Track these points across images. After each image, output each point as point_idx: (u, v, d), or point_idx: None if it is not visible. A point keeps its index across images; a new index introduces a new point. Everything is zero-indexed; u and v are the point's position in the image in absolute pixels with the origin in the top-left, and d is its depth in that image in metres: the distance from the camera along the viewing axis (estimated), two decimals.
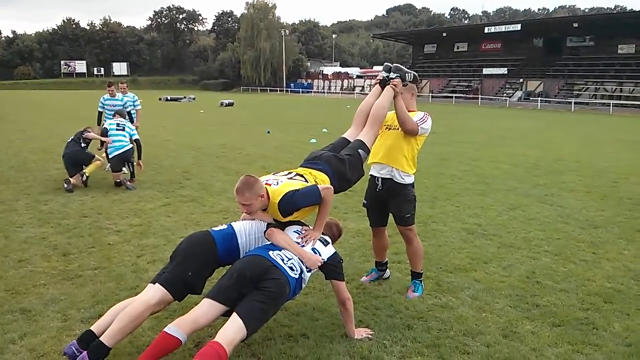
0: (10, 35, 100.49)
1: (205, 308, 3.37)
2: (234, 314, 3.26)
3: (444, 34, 67.72)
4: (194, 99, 48.96)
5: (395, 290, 4.74)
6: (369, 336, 3.85)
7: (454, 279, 5.05)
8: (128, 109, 10.97)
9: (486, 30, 60.99)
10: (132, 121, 10.73)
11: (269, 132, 19.08)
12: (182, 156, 12.83)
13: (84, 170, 8.80)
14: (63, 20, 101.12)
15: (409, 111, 4.54)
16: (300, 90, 77.31)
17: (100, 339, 3.35)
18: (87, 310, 4.23)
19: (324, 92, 74.36)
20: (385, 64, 4.66)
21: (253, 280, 3.37)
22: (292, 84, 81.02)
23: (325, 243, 3.87)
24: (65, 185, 8.43)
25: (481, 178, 10.40)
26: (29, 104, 39.11)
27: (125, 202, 7.93)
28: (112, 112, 10.31)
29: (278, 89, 78.42)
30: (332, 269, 3.77)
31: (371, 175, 4.81)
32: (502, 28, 59.86)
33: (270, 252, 3.58)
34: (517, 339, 3.91)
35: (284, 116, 28.97)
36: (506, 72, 58.84)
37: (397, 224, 4.72)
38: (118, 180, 8.95)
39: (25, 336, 3.78)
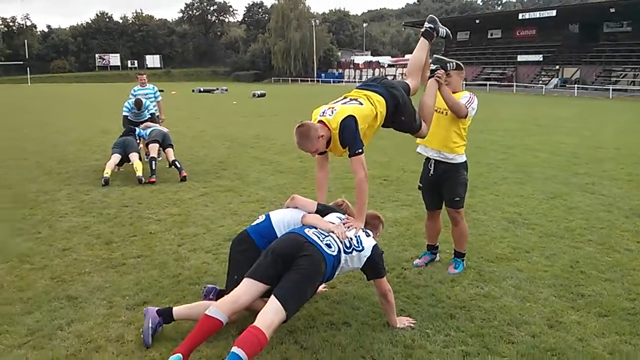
0: (46, 30, 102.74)
1: (244, 287, 3.38)
2: (272, 296, 3.25)
3: (477, 21, 66.43)
4: (226, 90, 49.23)
5: (437, 280, 4.69)
6: (412, 325, 3.83)
7: (496, 269, 4.97)
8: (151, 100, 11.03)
9: (520, 16, 59.66)
10: (152, 117, 10.76)
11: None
12: (217, 147, 12.92)
13: (140, 175, 8.70)
14: (96, 14, 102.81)
15: (454, 92, 4.63)
16: (332, 80, 77.02)
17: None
18: (131, 297, 4.31)
19: (355, 82, 73.80)
20: (435, 56, 4.64)
21: (287, 257, 3.36)
22: (323, 74, 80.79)
23: (367, 235, 3.85)
24: (103, 182, 8.48)
25: (519, 167, 10.21)
26: (65, 96, 39.93)
27: (164, 192, 8.03)
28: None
29: (309, 79, 78.29)
30: (373, 266, 3.71)
31: (425, 157, 4.92)
32: (537, 14, 58.40)
33: (306, 230, 3.58)
34: (562, 329, 3.84)
35: (316, 106, 28.80)
36: (541, 59, 57.53)
37: (446, 206, 4.87)
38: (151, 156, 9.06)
39: (73, 323, 3.86)
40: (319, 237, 3.51)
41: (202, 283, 4.56)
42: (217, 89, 49.43)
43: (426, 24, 4.66)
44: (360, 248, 3.66)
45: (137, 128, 9.78)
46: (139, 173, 8.68)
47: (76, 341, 3.60)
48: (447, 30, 4.73)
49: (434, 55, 4.65)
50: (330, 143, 3.87)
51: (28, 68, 79.13)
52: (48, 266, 5.00)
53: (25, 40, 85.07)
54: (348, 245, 3.62)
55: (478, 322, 3.92)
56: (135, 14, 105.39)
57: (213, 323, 3.25)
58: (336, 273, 3.59)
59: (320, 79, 78.49)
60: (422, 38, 4.65)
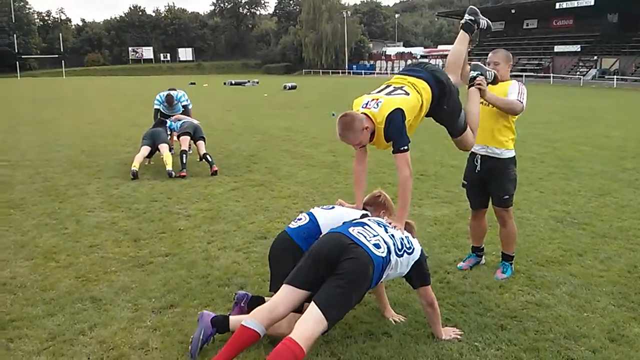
0: (80, 24, 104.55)
1: (282, 295, 3.07)
2: (312, 304, 2.94)
3: (513, 11, 64.83)
4: (257, 82, 49.15)
5: (483, 285, 4.34)
6: (458, 337, 3.50)
7: (547, 273, 4.60)
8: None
9: (557, 5, 57.95)
10: (186, 110, 10.53)
11: (333, 114, 18.74)
12: (248, 140, 12.71)
13: (170, 169, 8.49)
14: (130, 8, 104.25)
15: (502, 81, 4.34)
16: (363, 72, 76.42)
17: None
18: (158, 299, 4.07)
19: (387, 73, 73.17)
20: (474, 63, 4.32)
21: (330, 259, 3.02)
22: (354, 66, 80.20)
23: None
24: (132, 175, 8.32)
25: (563, 161, 9.72)
26: (98, 89, 40.35)
27: (194, 186, 7.83)
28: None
29: (340, 71, 77.78)
30: (420, 271, 3.37)
31: (470, 153, 4.56)
32: (575, 3, 56.68)
33: (351, 229, 3.22)
34: (625, 343, 3.47)
35: (348, 98, 28.39)
36: (579, 50, 56.01)
37: (494, 204, 4.52)
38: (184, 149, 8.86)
39: (96, 327, 3.64)
40: (365, 237, 3.16)
41: (232, 285, 4.31)
42: (249, 81, 49.40)
43: (466, 16, 4.34)
44: (411, 250, 3.33)
45: (168, 120, 9.61)
46: (169, 167, 8.49)
47: (98, 347, 3.38)
48: (488, 21, 4.40)
49: (473, 62, 4.34)
50: (373, 136, 3.57)
51: (63, 61, 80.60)
52: (73, 264, 4.81)
53: (60, 34, 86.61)
54: (400, 246, 3.27)
55: (532, 334, 3.57)
56: (167, 7, 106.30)
57: (249, 334, 2.98)
58: (383, 277, 3.22)
59: (351, 71, 77.89)
60: (461, 31, 4.31)
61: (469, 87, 4.22)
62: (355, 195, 3.86)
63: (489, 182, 4.49)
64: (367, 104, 3.58)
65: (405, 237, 3.38)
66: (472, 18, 4.31)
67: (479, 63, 4.30)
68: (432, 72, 3.78)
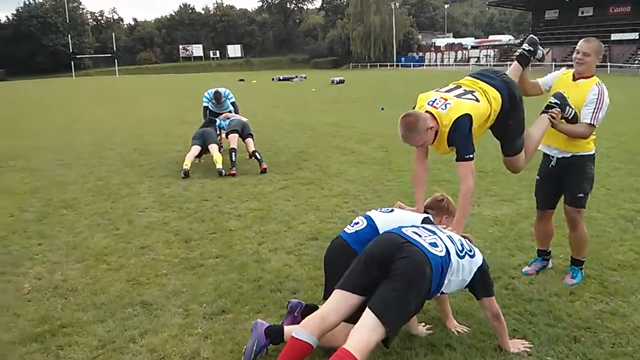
0: (132, 23, 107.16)
1: (333, 301, 2.88)
2: (366, 310, 2.73)
3: None
4: (305, 77, 49.11)
5: (552, 292, 4.03)
6: (528, 350, 3.23)
7: (620, 279, 4.26)
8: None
9: None
10: (234, 107, 10.45)
11: (382, 109, 18.45)
12: (297, 136, 12.58)
13: (220, 167, 8.44)
14: (179, 6, 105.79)
15: (582, 77, 4.01)
16: (412, 64, 75.33)
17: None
18: (209, 304, 3.96)
19: (436, 65, 72.00)
20: (558, 91, 4.02)
21: (382, 260, 2.81)
22: (402, 58, 79.10)
23: None
24: (183, 174, 8.29)
25: (631, 156, 9.16)
26: (150, 87, 41.13)
27: (244, 185, 7.74)
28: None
29: (388, 64, 76.85)
30: (484, 280, 3.12)
31: (544, 152, 4.29)
32: None
33: (404, 229, 3.01)
34: None
35: (396, 92, 28.07)
36: (637, 37, 53.59)
37: (566, 203, 4.16)
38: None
39: (146, 334, 3.55)
40: (420, 235, 2.95)
41: (285, 290, 4.16)
42: (296, 76, 49.44)
43: (525, 45, 4.10)
44: (473, 253, 3.09)
45: (217, 119, 9.57)
46: (219, 165, 8.44)
47: (148, 356, 3.28)
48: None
49: (558, 91, 4.01)
50: (435, 137, 3.35)
51: (116, 60, 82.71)
52: (124, 266, 4.76)
53: (113, 33, 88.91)
54: (460, 247, 3.03)
55: (608, 347, 3.28)
56: (216, 5, 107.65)
57: (300, 347, 2.80)
58: (444, 282, 2.95)
59: (400, 63, 76.91)
60: (515, 62, 4.09)
61: (542, 112, 3.96)
62: (416, 197, 3.64)
63: (565, 178, 4.15)
64: (434, 101, 3.38)
65: (465, 239, 3.15)
66: (531, 49, 4.09)
67: (564, 94, 3.97)
68: (507, 84, 3.57)
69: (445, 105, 3.32)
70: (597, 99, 3.93)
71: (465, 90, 3.48)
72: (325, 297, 3.36)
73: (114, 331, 3.59)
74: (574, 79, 4.08)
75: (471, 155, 3.30)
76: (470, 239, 3.33)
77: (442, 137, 3.34)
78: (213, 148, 8.78)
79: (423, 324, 3.48)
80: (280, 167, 8.92)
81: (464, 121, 3.25)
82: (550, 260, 4.54)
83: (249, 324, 3.55)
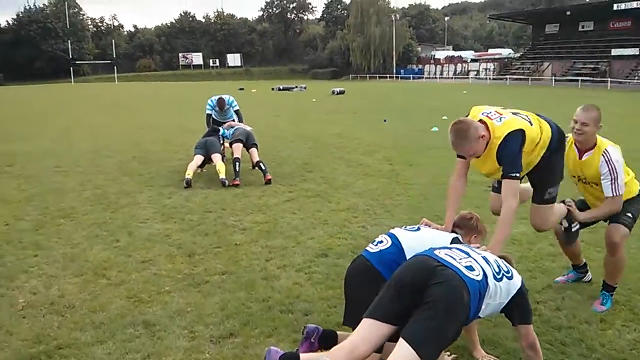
0: (132, 30, 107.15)
1: (363, 331, 2.65)
2: (400, 341, 2.50)
3: (568, 13, 62.75)
4: (305, 88, 49.02)
5: (582, 319, 3.78)
6: None
7: None
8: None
9: (615, 7, 55.75)
10: (238, 115, 10.21)
11: (385, 120, 18.27)
12: (300, 147, 12.35)
13: (223, 177, 8.19)
14: (180, 14, 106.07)
15: (586, 151, 3.85)
16: (411, 76, 75.41)
17: None
18: (216, 326, 3.70)
19: (436, 78, 72.07)
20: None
21: (415, 286, 2.59)
22: (402, 70, 79.15)
23: None
24: (185, 184, 8.04)
25: None
26: (149, 94, 40.94)
27: (248, 196, 7.49)
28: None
29: (388, 75, 76.90)
30: (522, 304, 2.86)
31: None
32: (634, 4, 54.33)
33: (437, 251, 2.79)
34: None
35: (397, 103, 27.96)
36: (638, 53, 53.68)
37: (610, 222, 3.87)
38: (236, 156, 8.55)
39: (149, 358, 3.30)
40: (454, 258, 2.72)
41: (296, 311, 3.91)
42: (296, 86, 49.35)
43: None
44: (510, 274, 2.85)
45: (221, 128, 9.34)
46: (222, 175, 8.19)
47: None
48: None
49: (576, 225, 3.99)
50: (485, 149, 3.19)
51: (115, 67, 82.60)
52: (125, 282, 4.51)
53: (113, 40, 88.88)
54: (497, 269, 2.80)
55: None
56: (217, 13, 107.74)
57: None
58: (482, 307, 2.72)
59: (399, 75, 76.96)
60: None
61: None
62: (447, 214, 3.45)
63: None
64: (488, 113, 3.27)
65: (501, 260, 2.92)
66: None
67: (575, 212, 3.92)
68: (558, 127, 3.53)
69: (500, 119, 3.21)
70: (609, 171, 3.73)
71: (518, 112, 3.40)
72: (346, 322, 3.13)
73: (114, 354, 3.34)
74: (580, 156, 3.86)
75: (517, 175, 3.17)
76: (509, 259, 3.10)
77: (491, 151, 3.19)
78: (216, 158, 8.54)
79: (449, 353, 3.23)
80: (285, 179, 8.68)
81: (517, 136, 3.13)
82: (588, 273, 4.38)
83: (259, 349, 3.31)
